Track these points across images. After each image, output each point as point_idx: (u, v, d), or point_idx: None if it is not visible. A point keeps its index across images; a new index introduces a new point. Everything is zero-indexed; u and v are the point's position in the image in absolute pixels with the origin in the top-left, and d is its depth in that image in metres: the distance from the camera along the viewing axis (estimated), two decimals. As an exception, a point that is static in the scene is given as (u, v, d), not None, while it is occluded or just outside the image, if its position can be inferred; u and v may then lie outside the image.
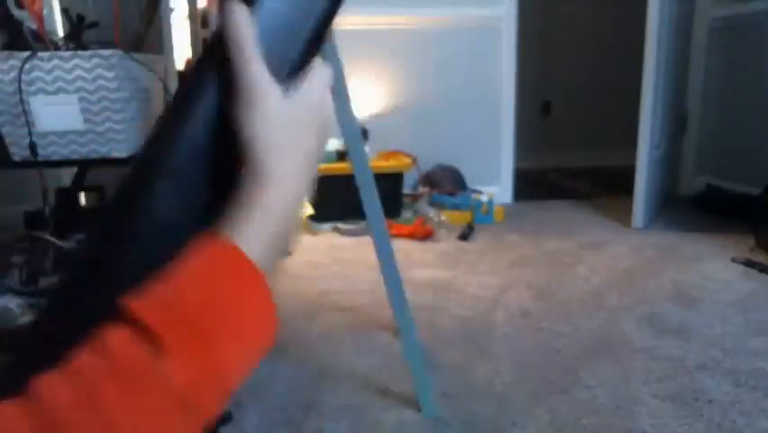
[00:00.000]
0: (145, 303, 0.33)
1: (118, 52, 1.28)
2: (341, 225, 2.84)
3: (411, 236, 2.71)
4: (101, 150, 1.32)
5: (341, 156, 2.87)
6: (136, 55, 1.38)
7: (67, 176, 2.12)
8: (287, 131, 0.40)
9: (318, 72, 0.44)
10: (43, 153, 1.30)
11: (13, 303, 1.55)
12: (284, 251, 0.42)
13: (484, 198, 3.00)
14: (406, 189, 3.14)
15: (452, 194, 3.08)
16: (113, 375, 0.31)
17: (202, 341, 0.33)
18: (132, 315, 0.33)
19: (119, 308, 0.33)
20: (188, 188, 0.40)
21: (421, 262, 2.40)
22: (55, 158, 1.32)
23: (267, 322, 0.38)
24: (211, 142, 0.40)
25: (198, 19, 1.60)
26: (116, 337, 0.32)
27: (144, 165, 0.41)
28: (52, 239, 1.34)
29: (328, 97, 0.45)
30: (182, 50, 2.23)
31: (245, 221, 0.38)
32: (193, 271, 0.36)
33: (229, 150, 0.40)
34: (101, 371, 0.31)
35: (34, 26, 1.32)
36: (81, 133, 1.30)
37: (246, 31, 0.40)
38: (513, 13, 3.28)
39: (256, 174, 0.39)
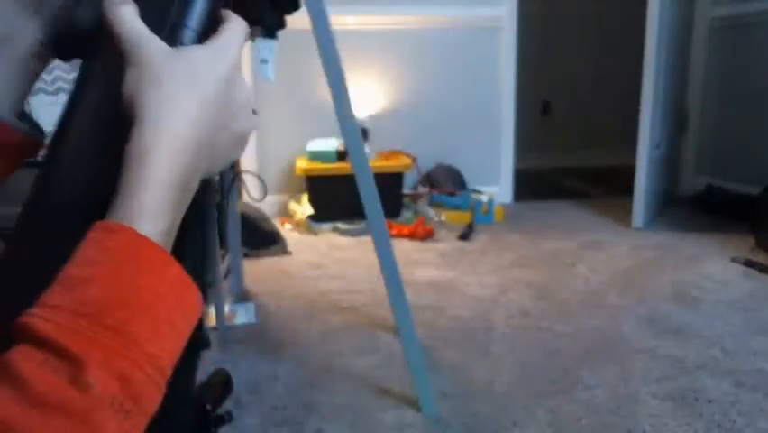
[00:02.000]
0: (52, 321, 0.31)
1: (118, 52, 1.28)
2: (341, 225, 2.84)
3: (411, 236, 2.71)
4: (101, 150, 1.32)
5: (341, 156, 2.87)
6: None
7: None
8: (170, 78, 0.38)
9: (227, 32, 0.42)
10: (43, 153, 1.30)
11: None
12: (188, 189, 0.39)
13: (484, 198, 3.00)
14: (406, 189, 3.14)
15: (452, 194, 3.08)
16: (32, 407, 0.29)
17: (121, 337, 0.32)
18: (42, 336, 0.30)
19: (21, 327, 0.31)
20: (86, 165, 0.39)
21: (421, 262, 2.40)
22: (55, 158, 1.31)
23: (178, 292, 0.36)
24: (105, 120, 0.39)
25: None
26: (26, 363, 0.30)
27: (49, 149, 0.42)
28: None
29: (232, 50, 0.41)
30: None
31: (127, 184, 0.36)
32: (90, 265, 0.33)
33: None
34: (17, 405, 0.29)
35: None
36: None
37: (121, 7, 0.39)
38: (513, 13, 3.28)
39: (131, 119, 0.37)
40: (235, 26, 0.43)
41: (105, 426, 0.30)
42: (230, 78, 0.41)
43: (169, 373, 0.35)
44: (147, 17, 0.40)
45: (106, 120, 0.39)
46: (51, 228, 0.39)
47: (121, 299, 0.33)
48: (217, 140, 0.40)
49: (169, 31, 0.40)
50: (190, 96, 0.38)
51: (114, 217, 0.35)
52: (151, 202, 0.36)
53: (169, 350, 0.35)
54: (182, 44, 0.40)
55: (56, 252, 0.34)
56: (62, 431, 0.29)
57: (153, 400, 0.33)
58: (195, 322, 0.37)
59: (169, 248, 0.37)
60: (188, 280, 0.37)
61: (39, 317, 0.31)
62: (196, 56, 0.40)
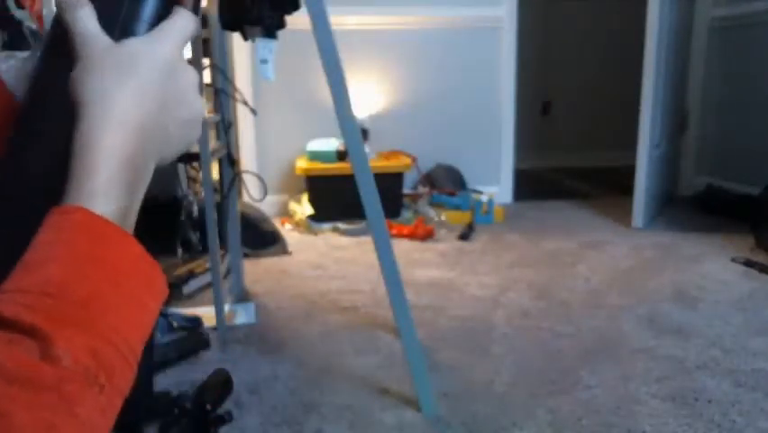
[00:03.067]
0: (16, 303, 0.31)
1: (118, 52, 1.28)
2: (341, 225, 2.84)
3: (411, 236, 2.71)
4: (101, 150, 1.31)
5: (341, 156, 2.87)
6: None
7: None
8: (110, 68, 0.40)
9: (170, 23, 0.44)
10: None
11: None
12: (141, 171, 0.40)
13: (484, 198, 3.00)
14: (406, 189, 3.14)
15: (452, 194, 3.08)
16: (4, 384, 0.29)
17: (86, 312, 0.32)
18: (8, 318, 0.31)
19: None
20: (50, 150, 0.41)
21: (421, 262, 2.40)
22: (55, 158, 1.31)
23: (140, 268, 0.37)
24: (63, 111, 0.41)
25: (198, 19, 1.61)
26: None
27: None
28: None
29: (173, 39, 0.43)
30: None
31: (76, 170, 0.37)
32: (48, 246, 0.34)
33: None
34: None
35: (34, 26, 1.32)
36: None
37: (77, 9, 0.42)
38: (513, 13, 3.28)
39: (78, 109, 0.39)
40: (179, 18, 0.45)
41: (82, 398, 0.31)
42: (169, 65, 0.42)
43: (138, 349, 0.35)
44: (102, 14, 0.42)
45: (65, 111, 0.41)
46: (23, 208, 0.40)
47: (82, 275, 0.34)
48: (164, 124, 0.42)
49: (122, 25, 0.43)
50: (129, 83, 0.40)
51: (67, 201, 0.36)
52: (101, 185, 0.37)
53: (137, 325, 0.35)
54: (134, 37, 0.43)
55: (26, 232, 0.35)
56: (38, 405, 0.29)
57: (125, 376, 0.34)
58: (162, 300, 0.38)
59: (128, 229, 0.38)
60: (151, 258, 0.38)
61: (2, 302, 0.32)
62: (135, 46, 0.42)
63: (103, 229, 0.36)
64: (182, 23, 0.44)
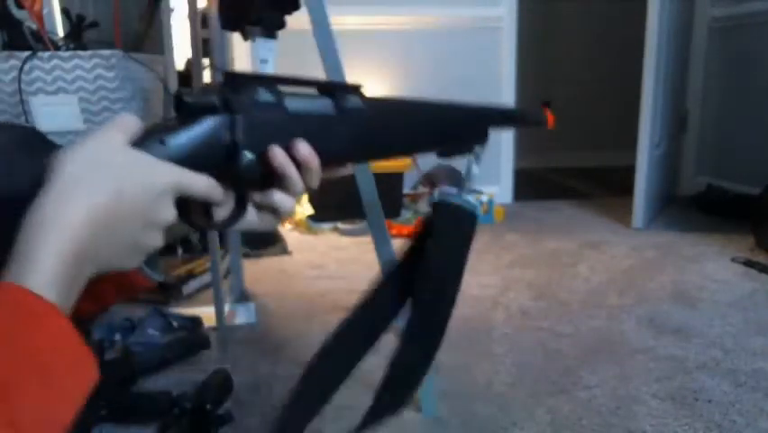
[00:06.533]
0: None
1: (118, 52, 1.28)
2: (341, 225, 2.84)
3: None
4: (101, 150, 1.31)
5: (341, 156, 2.87)
6: (136, 55, 1.38)
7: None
8: (100, 165, 0.40)
9: (192, 174, 0.45)
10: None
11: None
12: (80, 273, 0.38)
13: (484, 198, 3.00)
14: (406, 189, 3.14)
15: (452, 194, 3.08)
16: None
17: (3, 392, 0.31)
18: None
19: None
20: None
21: (421, 262, 2.40)
22: (55, 158, 1.31)
23: (68, 352, 0.35)
24: None
25: (198, 19, 1.61)
26: None
27: None
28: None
29: (173, 180, 0.43)
30: (182, 50, 2.22)
31: (22, 247, 0.36)
32: None
33: None
34: None
35: (34, 26, 1.33)
36: (81, 133, 1.30)
37: None
38: (513, 13, 3.28)
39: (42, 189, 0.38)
40: (202, 178, 0.45)
41: None
42: (163, 195, 0.42)
43: (66, 419, 0.34)
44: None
45: None
46: None
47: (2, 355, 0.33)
48: (120, 237, 0.41)
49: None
50: (108, 185, 0.39)
51: (6, 278, 0.35)
52: (41, 269, 0.36)
53: (60, 403, 0.34)
54: None
55: None
56: None
57: None
58: (85, 378, 0.37)
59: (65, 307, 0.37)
60: (74, 335, 0.36)
61: None
62: (145, 160, 0.42)
63: (27, 304, 0.34)
64: (202, 181, 0.45)
